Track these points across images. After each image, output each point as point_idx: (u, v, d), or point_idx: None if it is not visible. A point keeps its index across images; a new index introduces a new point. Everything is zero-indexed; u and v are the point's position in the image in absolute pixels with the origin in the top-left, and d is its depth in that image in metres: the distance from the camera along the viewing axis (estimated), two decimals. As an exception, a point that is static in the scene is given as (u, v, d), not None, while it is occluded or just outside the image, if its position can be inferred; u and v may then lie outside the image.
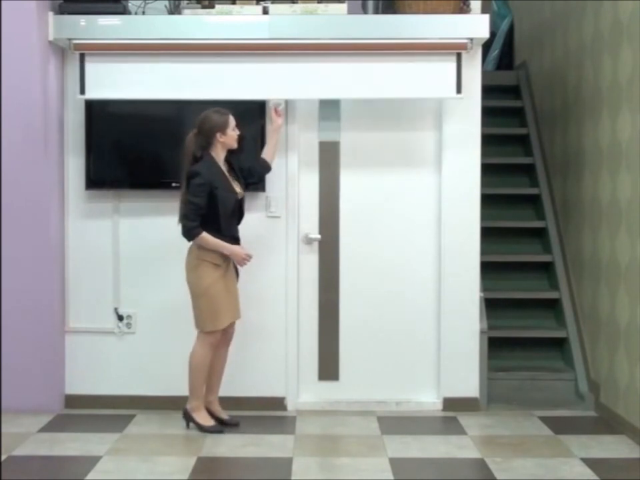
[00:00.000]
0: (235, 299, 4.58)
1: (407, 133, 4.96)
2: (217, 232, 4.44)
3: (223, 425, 4.63)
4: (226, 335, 4.60)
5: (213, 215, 4.43)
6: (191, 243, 4.45)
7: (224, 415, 4.68)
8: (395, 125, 4.96)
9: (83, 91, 4.76)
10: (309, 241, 4.96)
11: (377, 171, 4.92)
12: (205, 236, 4.40)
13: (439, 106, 4.96)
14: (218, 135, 4.49)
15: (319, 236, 4.95)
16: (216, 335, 4.51)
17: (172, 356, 4.86)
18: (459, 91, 4.80)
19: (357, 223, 4.95)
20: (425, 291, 4.92)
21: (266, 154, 4.71)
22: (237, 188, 4.55)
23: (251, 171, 4.67)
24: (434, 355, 4.94)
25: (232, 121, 4.52)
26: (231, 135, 4.51)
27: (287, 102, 4.87)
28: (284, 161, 4.92)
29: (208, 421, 4.61)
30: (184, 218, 4.42)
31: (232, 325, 4.62)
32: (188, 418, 4.62)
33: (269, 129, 4.72)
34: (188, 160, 4.48)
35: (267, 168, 4.70)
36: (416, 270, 4.92)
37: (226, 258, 4.48)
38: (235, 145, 4.55)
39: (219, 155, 4.52)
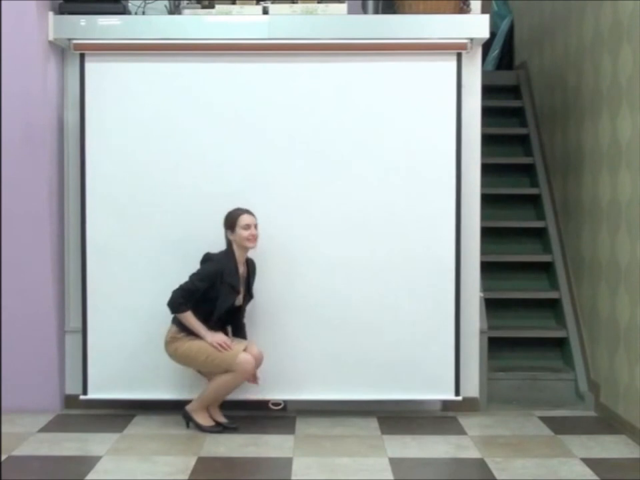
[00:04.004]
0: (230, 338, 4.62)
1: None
2: (205, 319, 4.49)
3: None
4: (256, 357, 4.59)
5: (208, 308, 4.48)
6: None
7: (222, 418, 4.68)
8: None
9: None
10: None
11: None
12: (189, 316, 4.46)
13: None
14: (228, 232, 4.56)
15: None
16: (245, 357, 4.48)
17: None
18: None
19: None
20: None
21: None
22: (239, 297, 4.59)
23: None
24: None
25: (243, 219, 4.53)
26: (239, 235, 4.53)
27: (285, 402, 4.94)
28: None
29: (207, 421, 4.62)
30: (177, 291, 4.47)
31: (253, 349, 4.61)
32: (188, 418, 4.63)
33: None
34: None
35: (242, 331, 4.74)
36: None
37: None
38: (246, 244, 4.55)
39: (237, 252, 4.57)
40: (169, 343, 4.57)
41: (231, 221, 4.55)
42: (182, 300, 4.46)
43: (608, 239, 4.97)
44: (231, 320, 4.67)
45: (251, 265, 4.69)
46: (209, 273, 4.48)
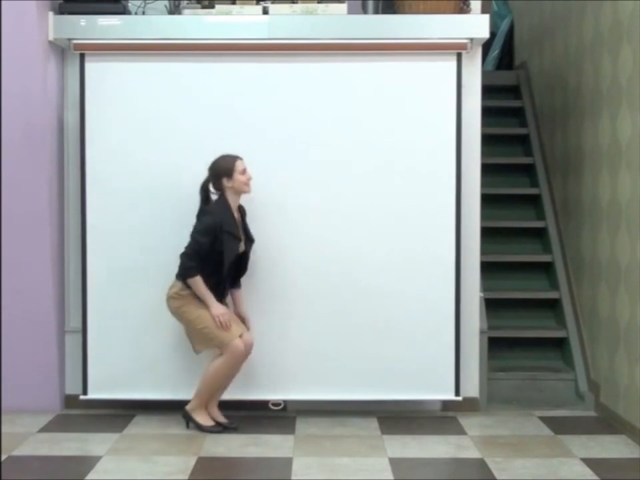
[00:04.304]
0: (233, 316, 4.61)
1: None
2: (218, 277, 4.49)
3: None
4: (246, 346, 4.60)
5: (217, 260, 4.46)
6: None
7: (222, 418, 4.68)
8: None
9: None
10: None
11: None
12: (199, 281, 4.45)
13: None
14: (225, 180, 4.53)
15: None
16: (238, 343, 4.51)
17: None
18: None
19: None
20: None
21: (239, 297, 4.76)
22: (242, 244, 4.59)
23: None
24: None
25: (239, 165, 4.54)
26: (238, 180, 4.53)
27: (285, 402, 4.95)
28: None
29: (207, 421, 4.62)
30: (184, 255, 4.47)
31: (247, 336, 4.63)
32: (187, 418, 4.63)
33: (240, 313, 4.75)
34: (202, 202, 4.57)
35: (237, 286, 4.73)
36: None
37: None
38: (245, 190, 4.57)
39: (231, 200, 4.56)
40: (173, 298, 4.53)
41: (227, 167, 4.52)
42: (191, 263, 4.43)
43: (608, 239, 4.97)
44: (238, 268, 4.64)
45: (242, 210, 4.68)
46: (208, 226, 4.45)
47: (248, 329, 4.72)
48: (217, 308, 4.48)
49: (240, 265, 4.65)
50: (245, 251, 4.64)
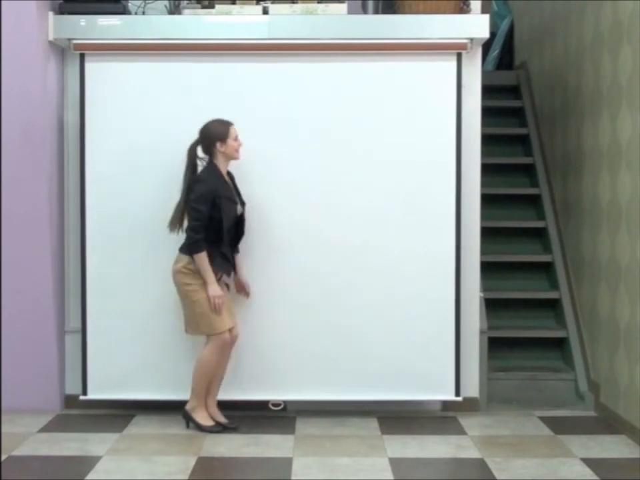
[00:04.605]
0: (228, 304, 4.61)
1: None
2: (219, 245, 4.48)
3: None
4: (232, 337, 4.63)
5: (216, 226, 4.45)
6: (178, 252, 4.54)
7: (221, 418, 4.68)
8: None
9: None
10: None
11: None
12: (204, 257, 4.44)
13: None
14: (218, 144, 4.52)
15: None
16: (226, 336, 4.55)
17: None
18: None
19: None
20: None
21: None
22: (239, 206, 4.59)
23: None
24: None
25: (233, 131, 4.54)
26: (231, 145, 4.53)
27: (285, 402, 4.97)
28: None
29: (207, 421, 4.62)
30: (190, 230, 4.46)
31: (235, 331, 4.67)
32: (187, 418, 4.63)
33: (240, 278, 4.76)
34: (189, 169, 4.54)
35: (235, 251, 4.72)
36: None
37: (220, 273, 4.53)
38: (236, 156, 4.58)
39: (221, 165, 4.55)
40: (182, 273, 4.50)
41: (222, 132, 4.52)
42: (198, 235, 4.42)
43: (608, 238, 4.97)
44: (237, 232, 4.63)
45: (231, 175, 4.67)
46: (203, 194, 4.43)
47: (248, 294, 4.75)
48: (215, 289, 4.46)
49: (238, 229, 4.64)
50: (241, 214, 4.63)
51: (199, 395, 4.60)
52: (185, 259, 4.51)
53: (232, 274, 4.71)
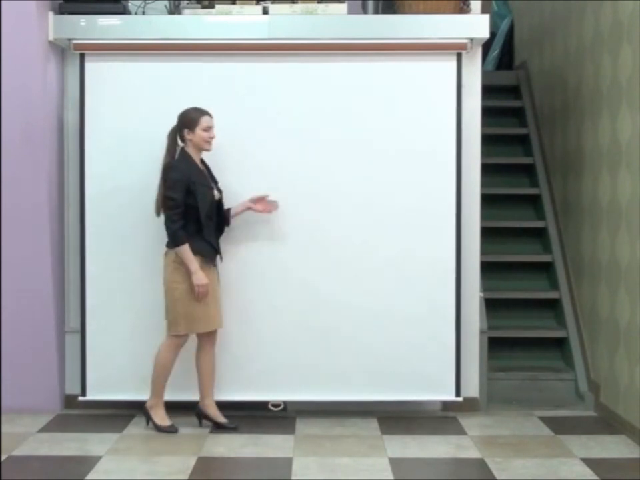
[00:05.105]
0: (214, 306, 4.58)
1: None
2: (199, 235, 4.47)
3: (220, 429, 4.63)
4: (210, 336, 4.61)
5: (194, 213, 4.44)
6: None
7: (221, 418, 4.67)
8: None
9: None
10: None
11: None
12: (186, 248, 4.42)
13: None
14: (186, 131, 4.50)
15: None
16: (184, 339, 4.55)
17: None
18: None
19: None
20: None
21: (233, 210, 4.70)
22: (215, 191, 4.56)
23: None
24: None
25: (204, 121, 4.49)
26: (199, 135, 4.49)
27: (285, 403, 4.95)
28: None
29: (164, 421, 4.60)
30: (167, 220, 4.45)
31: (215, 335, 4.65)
32: (147, 415, 4.64)
33: (249, 203, 4.71)
34: (167, 153, 4.54)
35: (227, 221, 4.69)
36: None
37: (206, 262, 4.50)
38: (204, 147, 4.53)
39: (193, 153, 4.53)
40: (169, 267, 4.49)
41: (192, 119, 4.48)
42: (175, 225, 4.40)
43: (608, 238, 4.97)
44: (217, 217, 4.59)
45: (205, 164, 4.63)
46: (176, 181, 4.41)
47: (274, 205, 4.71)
48: (199, 278, 4.43)
49: (219, 216, 4.60)
50: (219, 200, 4.59)
51: (157, 392, 4.60)
52: (172, 253, 4.49)
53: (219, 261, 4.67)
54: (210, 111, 4.59)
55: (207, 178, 4.56)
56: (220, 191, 4.63)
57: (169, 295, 4.52)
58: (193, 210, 4.43)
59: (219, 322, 4.63)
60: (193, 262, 4.43)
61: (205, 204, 4.46)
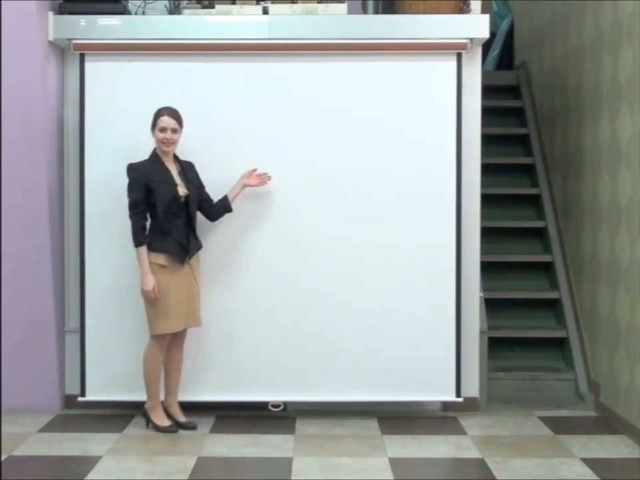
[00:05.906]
0: (189, 303, 4.57)
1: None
2: (161, 232, 4.47)
3: (182, 428, 4.64)
4: (177, 336, 4.61)
5: (154, 211, 4.46)
6: None
7: (182, 417, 4.68)
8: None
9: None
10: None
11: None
12: (141, 250, 4.45)
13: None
14: (151, 131, 4.54)
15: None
16: (165, 337, 4.54)
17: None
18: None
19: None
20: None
21: (230, 194, 4.70)
22: (181, 188, 4.53)
23: (210, 204, 4.68)
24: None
25: (160, 122, 4.48)
26: (156, 135, 4.51)
27: (285, 403, 4.96)
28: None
29: (163, 422, 4.62)
30: (130, 219, 4.48)
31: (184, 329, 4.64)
32: (146, 417, 4.64)
33: (243, 180, 4.72)
34: None
35: (227, 208, 4.69)
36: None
37: (173, 260, 4.48)
38: (161, 147, 4.51)
39: (160, 152, 4.53)
40: (154, 271, 4.48)
41: (153, 119, 4.51)
42: (136, 225, 4.44)
43: (608, 239, 4.97)
44: (187, 214, 4.52)
45: (186, 164, 4.62)
46: (133, 180, 4.45)
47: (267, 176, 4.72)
48: (145, 282, 4.44)
49: (188, 210, 4.53)
50: (188, 196, 4.52)
51: (153, 394, 4.61)
52: (151, 254, 4.49)
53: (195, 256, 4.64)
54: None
55: (170, 176, 4.52)
56: (199, 188, 4.60)
57: (141, 294, 4.56)
58: (154, 207, 4.46)
59: (186, 322, 4.59)
60: (144, 264, 4.45)
61: (164, 201, 4.44)
